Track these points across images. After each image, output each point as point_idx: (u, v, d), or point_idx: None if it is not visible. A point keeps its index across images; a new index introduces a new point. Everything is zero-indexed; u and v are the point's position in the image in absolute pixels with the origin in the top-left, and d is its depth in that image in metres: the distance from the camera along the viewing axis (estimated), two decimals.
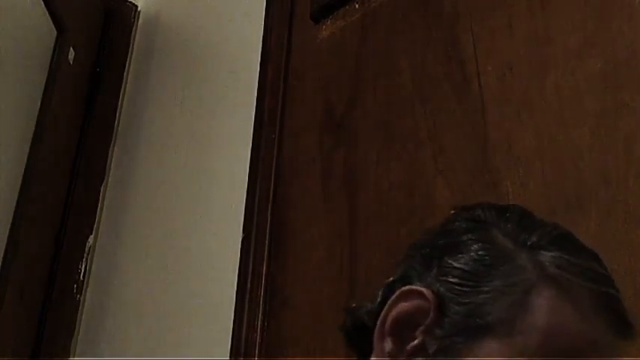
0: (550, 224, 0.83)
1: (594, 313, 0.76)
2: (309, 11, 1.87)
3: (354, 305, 0.90)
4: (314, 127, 1.72)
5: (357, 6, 1.77)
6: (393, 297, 0.81)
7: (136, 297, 2.00)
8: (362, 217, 1.52)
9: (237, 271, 1.69)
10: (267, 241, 1.68)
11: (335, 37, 1.79)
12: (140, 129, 2.29)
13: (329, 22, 1.82)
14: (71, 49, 2.25)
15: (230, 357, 1.59)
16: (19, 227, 1.97)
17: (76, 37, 2.29)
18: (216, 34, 2.20)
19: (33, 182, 2.03)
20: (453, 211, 0.88)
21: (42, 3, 2.14)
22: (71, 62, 2.25)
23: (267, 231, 1.69)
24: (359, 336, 0.86)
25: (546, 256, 0.78)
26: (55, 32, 2.21)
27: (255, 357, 1.55)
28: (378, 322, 0.80)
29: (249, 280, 1.65)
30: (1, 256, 1.91)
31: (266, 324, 1.59)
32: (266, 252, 1.66)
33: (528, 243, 0.79)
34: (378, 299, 0.85)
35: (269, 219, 1.70)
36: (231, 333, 1.62)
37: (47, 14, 2.17)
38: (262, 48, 1.95)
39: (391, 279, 0.85)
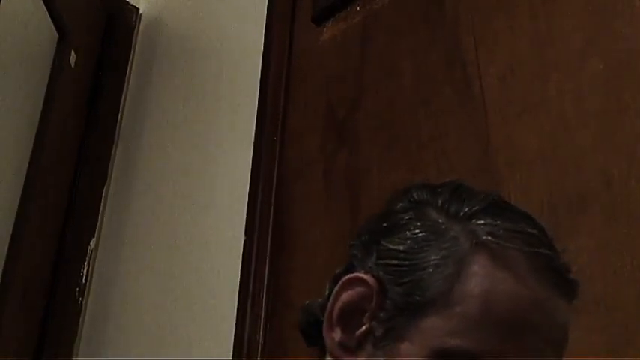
0: (482, 193, 0.84)
1: (529, 274, 0.77)
2: (311, 13, 1.87)
3: (307, 302, 0.91)
4: (316, 128, 1.73)
5: (358, 8, 1.77)
6: (337, 287, 0.82)
7: (139, 299, 2.00)
8: (364, 218, 1.52)
9: (239, 273, 1.69)
10: (269, 243, 1.68)
11: (336, 39, 1.79)
12: (142, 131, 2.29)
13: (330, 24, 1.82)
14: (73, 52, 2.25)
15: (232, 357, 1.60)
16: (22, 230, 1.97)
17: (78, 40, 2.29)
18: (217, 37, 2.20)
19: (35, 185, 2.03)
20: (390, 196, 0.89)
21: (43, 6, 2.14)
22: (73, 65, 2.25)
23: (270, 232, 1.69)
24: (316, 332, 0.86)
25: (478, 224, 0.79)
26: (56, 35, 2.22)
27: (257, 357, 1.55)
28: (326, 314, 0.82)
29: (251, 281, 1.65)
30: (4, 259, 1.91)
31: (268, 325, 1.59)
32: (268, 253, 1.67)
33: (460, 214, 0.80)
34: (326, 292, 0.86)
35: (271, 221, 1.70)
36: (233, 334, 1.62)
37: (49, 17, 2.17)
38: (264, 50, 1.96)
39: (337, 270, 0.87)
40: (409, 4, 1.66)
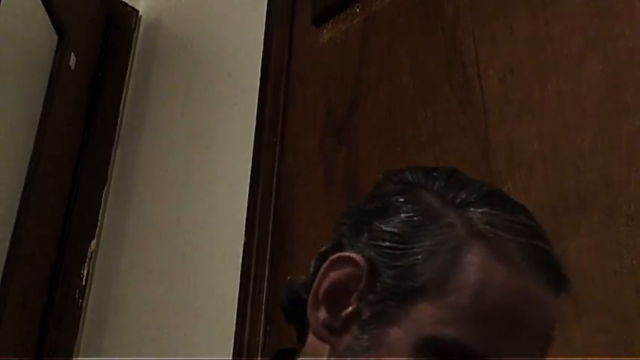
0: (478, 181, 0.82)
1: (525, 266, 0.75)
2: (311, 15, 1.87)
3: (289, 279, 0.89)
4: (315, 130, 1.73)
5: (358, 9, 1.77)
6: (325, 265, 0.79)
7: (138, 301, 2.00)
8: None
9: (239, 274, 1.69)
10: (269, 245, 1.68)
11: (336, 40, 1.79)
12: (142, 134, 2.29)
13: (330, 25, 1.82)
14: (72, 54, 2.25)
15: (232, 359, 1.60)
16: (22, 232, 1.97)
17: (77, 42, 2.29)
18: (217, 39, 2.20)
19: (35, 188, 2.03)
20: (381, 176, 0.87)
21: (43, 8, 2.14)
22: (72, 67, 2.25)
23: (269, 234, 1.69)
24: (297, 310, 0.84)
25: (475, 212, 0.77)
26: (56, 37, 2.21)
27: (257, 359, 1.55)
28: (311, 292, 0.79)
29: (251, 283, 1.65)
30: (4, 261, 1.91)
31: (268, 327, 1.59)
32: (268, 255, 1.66)
33: (457, 201, 0.78)
34: (311, 269, 0.84)
35: (271, 222, 1.70)
36: (233, 336, 1.62)
37: (48, 19, 2.17)
38: (263, 52, 1.96)
39: (323, 248, 0.85)
40: (408, 5, 1.66)
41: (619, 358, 0.93)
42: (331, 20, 1.82)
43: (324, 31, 1.83)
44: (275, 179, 1.74)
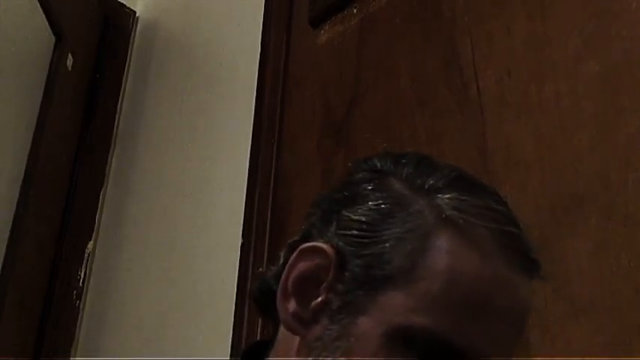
0: (448, 166, 0.81)
1: (495, 252, 0.75)
2: (308, 16, 1.87)
3: (260, 270, 0.89)
4: (313, 131, 1.73)
5: (355, 10, 1.77)
6: (293, 256, 0.79)
7: (136, 303, 2.00)
8: None
9: (237, 275, 1.69)
10: (266, 246, 1.68)
11: (333, 41, 1.79)
12: (139, 135, 2.29)
13: (327, 26, 1.82)
14: (69, 55, 2.25)
15: None
16: (19, 234, 1.97)
17: (75, 43, 2.29)
18: (214, 40, 2.20)
19: (33, 188, 2.03)
20: (350, 164, 0.86)
21: (40, 9, 2.14)
22: (70, 69, 2.25)
23: (267, 235, 1.69)
24: (268, 301, 0.83)
25: (443, 199, 0.76)
26: (53, 38, 2.21)
27: None
28: (280, 283, 0.78)
29: (248, 283, 1.65)
30: (1, 262, 1.91)
31: (265, 329, 1.59)
32: (265, 256, 1.66)
33: (425, 187, 0.77)
34: (281, 260, 0.83)
35: (269, 223, 1.70)
36: (231, 337, 1.62)
37: (45, 20, 2.17)
38: (261, 53, 1.96)
39: (293, 238, 0.84)
40: (406, 5, 1.66)
41: (617, 358, 0.93)
42: (328, 21, 1.82)
43: (322, 32, 1.83)
44: (273, 180, 1.74)
